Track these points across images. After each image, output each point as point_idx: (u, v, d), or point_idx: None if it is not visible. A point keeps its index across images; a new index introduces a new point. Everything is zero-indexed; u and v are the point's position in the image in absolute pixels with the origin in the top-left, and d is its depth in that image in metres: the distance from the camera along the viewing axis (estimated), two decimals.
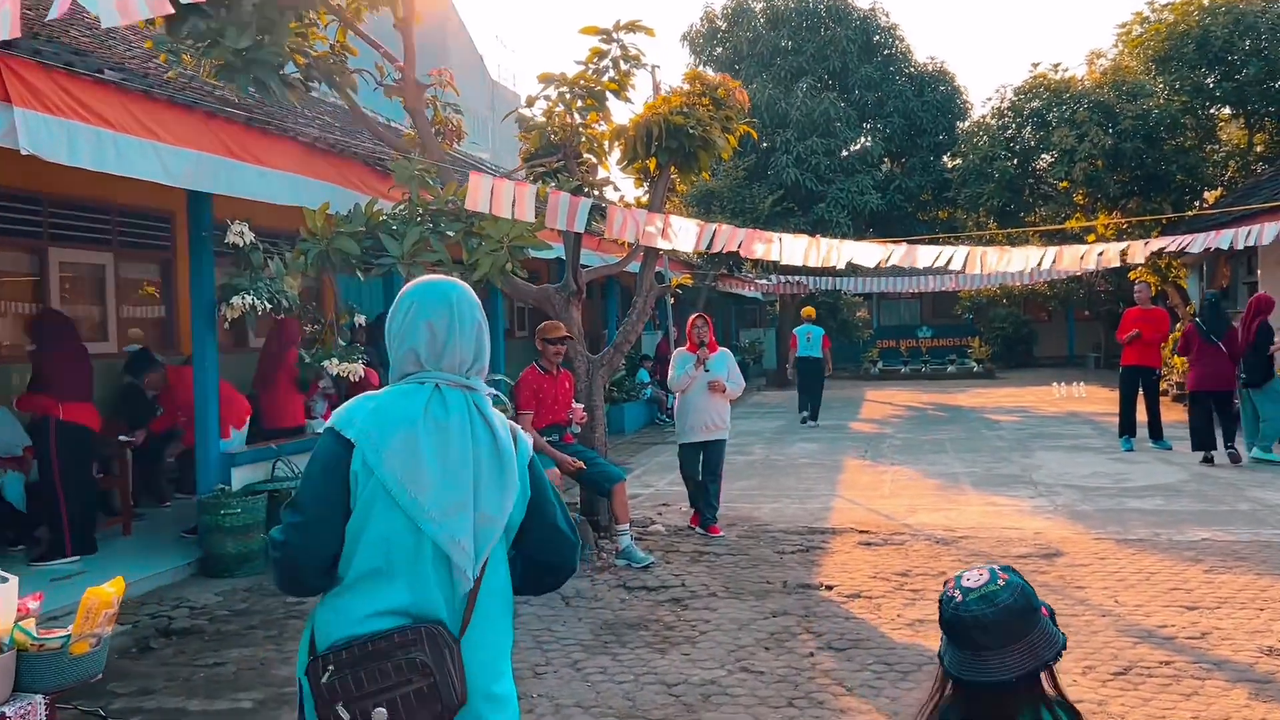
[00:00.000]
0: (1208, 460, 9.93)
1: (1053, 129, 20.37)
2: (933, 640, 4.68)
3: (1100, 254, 8.87)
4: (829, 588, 6.01)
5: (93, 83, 5.24)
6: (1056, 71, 22.04)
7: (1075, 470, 10.03)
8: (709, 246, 7.57)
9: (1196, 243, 9.50)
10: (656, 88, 7.71)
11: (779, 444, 12.96)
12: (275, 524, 2.01)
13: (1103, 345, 25.15)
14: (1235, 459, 9.82)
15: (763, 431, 14.37)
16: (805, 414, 15.04)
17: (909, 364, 26.38)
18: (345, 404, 2.02)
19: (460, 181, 6.37)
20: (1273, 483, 8.91)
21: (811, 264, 8.00)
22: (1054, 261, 8.69)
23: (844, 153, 24.42)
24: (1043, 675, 1.87)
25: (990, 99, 27.82)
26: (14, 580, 2.65)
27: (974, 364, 25.62)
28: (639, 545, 6.88)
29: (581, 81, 7.16)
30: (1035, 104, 21.53)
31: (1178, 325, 13.79)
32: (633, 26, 7.03)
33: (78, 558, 6.45)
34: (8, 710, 2.58)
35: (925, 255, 8.40)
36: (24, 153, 4.69)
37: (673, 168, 7.57)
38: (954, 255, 8.40)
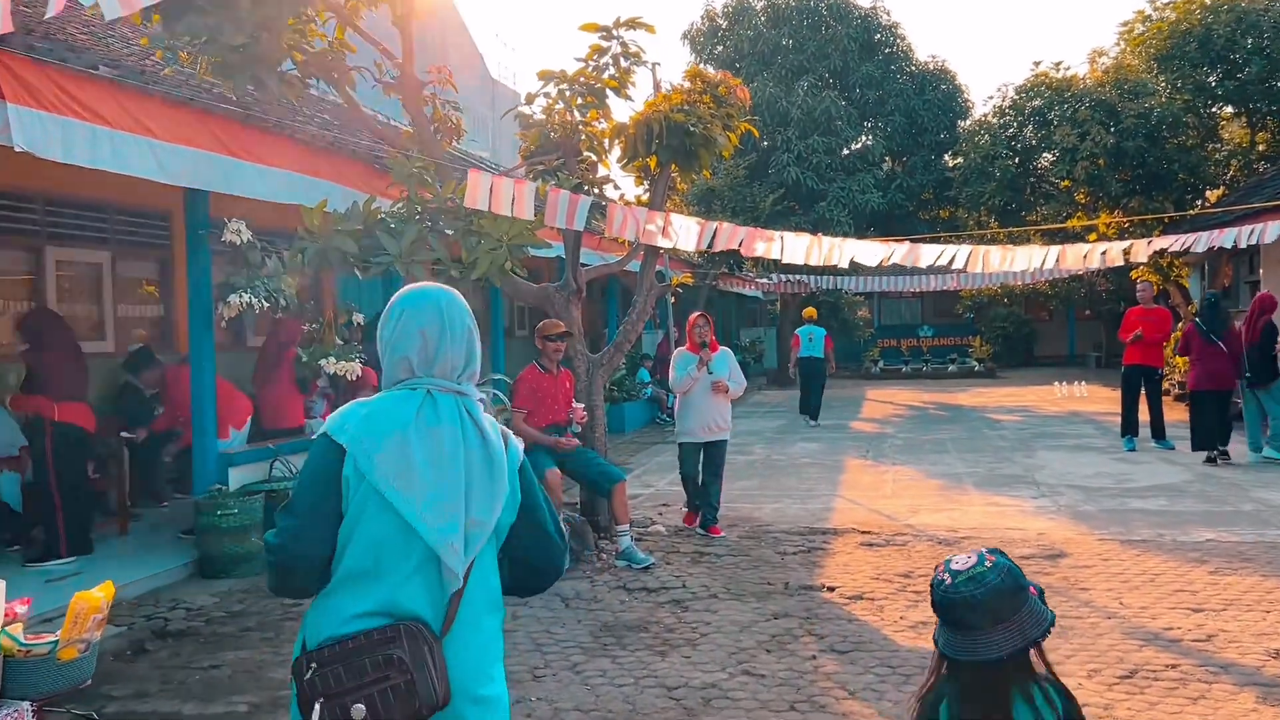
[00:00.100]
0: (1210, 460, 9.89)
1: (1054, 128, 20.32)
2: None
3: (1103, 253, 8.82)
4: (831, 589, 5.96)
5: (88, 79, 5.19)
6: (1058, 70, 22.00)
7: (1078, 470, 9.97)
8: (710, 245, 7.52)
9: (1200, 242, 9.44)
10: (657, 85, 7.64)
11: (780, 443, 12.91)
12: (272, 525, 2.06)
13: (1104, 344, 25.09)
14: (1224, 459, 9.81)
15: (763, 431, 14.32)
16: (808, 416, 15.05)
17: (910, 363, 26.33)
18: (339, 410, 2.04)
19: (459, 179, 6.31)
20: (1277, 483, 8.86)
21: (813, 263, 7.95)
22: (1057, 260, 8.64)
23: (845, 151, 24.37)
24: (1032, 653, 1.94)
25: (992, 97, 27.86)
26: (1, 584, 2.60)
27: (975, 363, 25.56)
28: (639, 546, 6.83)
29: (581, 79, 7.10)
30: (1037, 102, 21.48)
31: (1179, 325, 13.72)
32: (633, 23, 6.98)
33: (73, 558, 6.40)
34: None
35: (928, 254, 8.35)
36: (17, 149, 4.64)
37: (673, 166, 7.51)
38: (957, 254, 8.35)
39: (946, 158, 26.17)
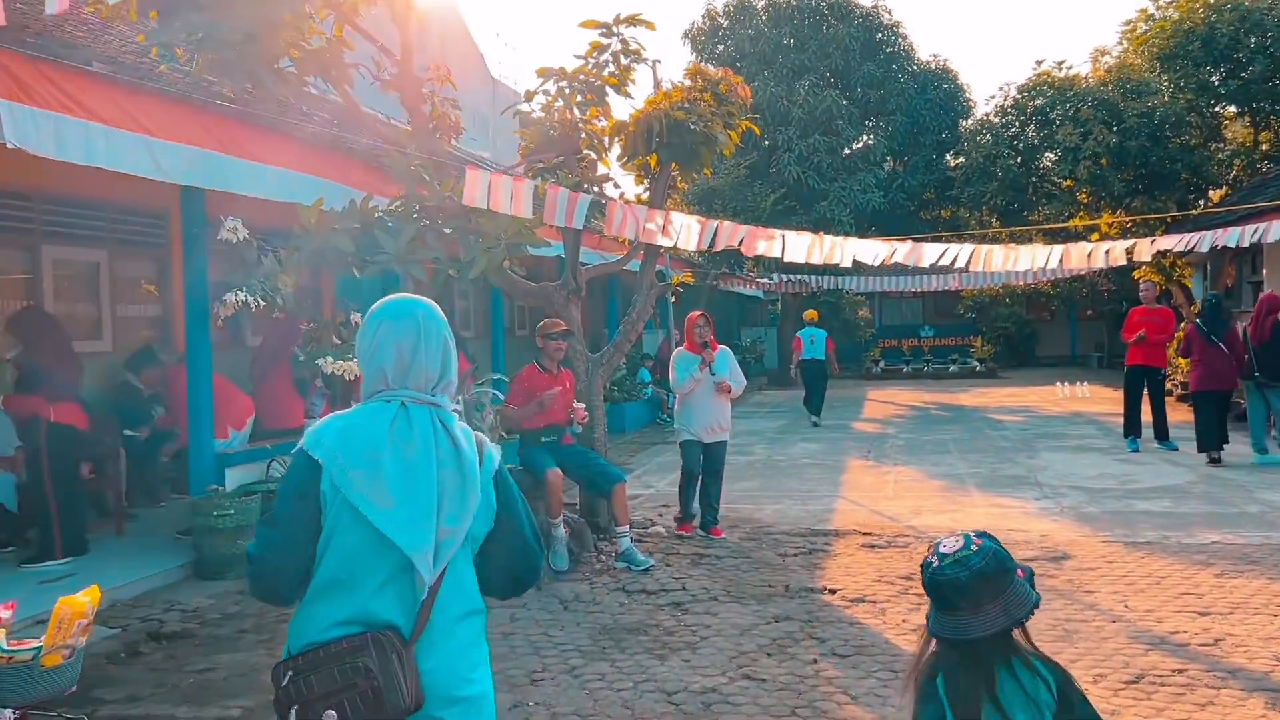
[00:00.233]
0: (1214, 461, 9.83)
1: (1056, 127, 20.27)
2: None
3: (1107, 252, 8.76)
4: (832, 592, 5.90)
5: (82, 75, 5.13)
6: (1061, 69, 21.95)
7: (1081, 471, 9.91)
8: (711, 244, 7.46)
9: (1204, 241, 9.37)
10: (657, 83, 7.58)
11: (781, 444, 12.85)
12: None
13: (1106, 345, 25.01)
14: (1216, 462, 9.78)
15: (764, 431, 14.26)
16: (814, 417, 15.04)
17: (911, 363, 26.25)
18: (315, 424, 2.10)
19: (457, 177, 6.25)
20: None
21: (814, 261, 7.89)
22: (1061, 260, 8.58)
23: (846, 151, 24.30)
24: (1016, 632, 2.03)
25: (993, 97, 27.82)
26: None
27: (976, 363, 25.48)
28: (639, 547, 6.77)
29: (581, 76, 7.04)
30: (1039, 102, 21.42)
31: (1182, 325, 13.66)
32: (633, 20, 6.92)
33: (69, 559, 6.35)
34: None
35: (931, 253, 8.29)
36: (10, 146, 4.58)
37: (674, 164, 7.45)
38: (960, 253, 8.29)
39: (948, 157, 26.10)
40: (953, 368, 25.35)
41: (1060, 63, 22.02)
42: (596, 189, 7.28)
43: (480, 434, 2.18)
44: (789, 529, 7.66)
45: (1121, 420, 11.44)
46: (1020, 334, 27.45)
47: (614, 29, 6.95)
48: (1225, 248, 10.33)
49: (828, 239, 7.98)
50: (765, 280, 21.91)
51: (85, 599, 2.55)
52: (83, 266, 8.42)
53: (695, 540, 7.30)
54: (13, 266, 7.81)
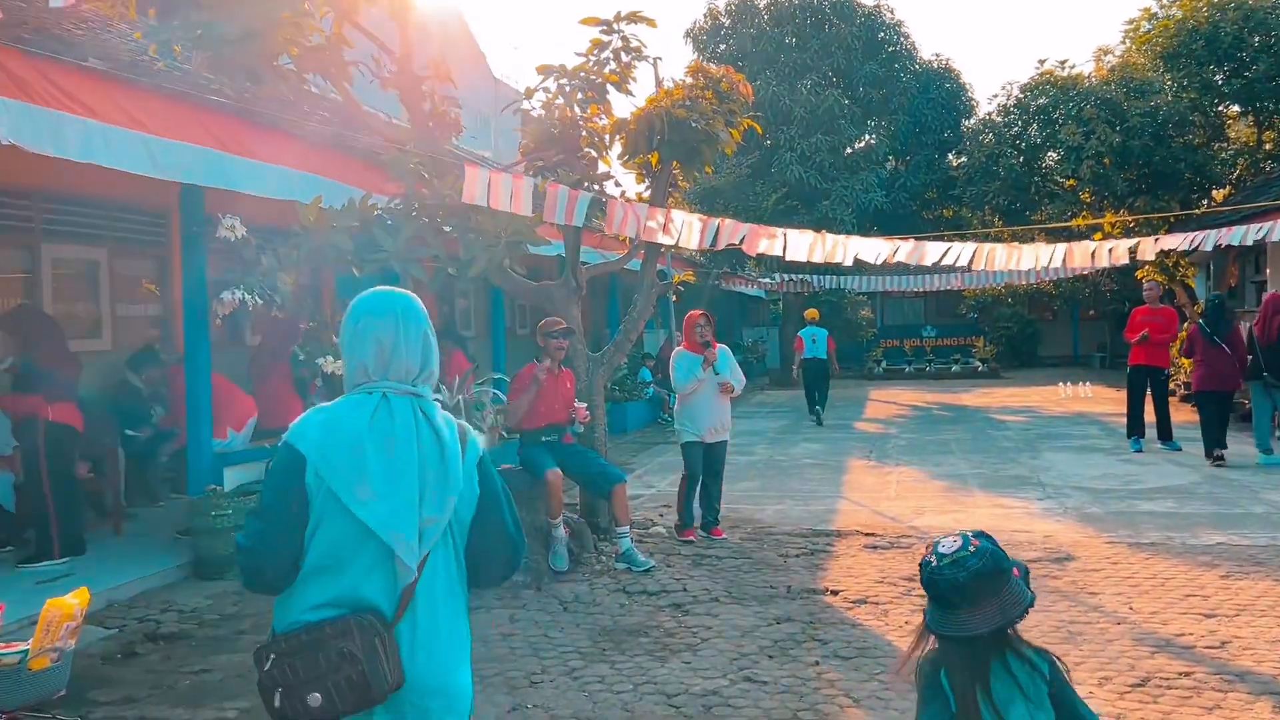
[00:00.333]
0: (1217, 461, 9.77)
1: (1059, 126, 20.21)
2: None
3: (1110, 251, 8.71)
4: (834, 593, 5.86)
5: (79, 72, 5.10)
6: (1064, 68, 21.89)
7: (1084, 472, 9.86)
8: (712, 243, 7.41)
9: (1209, 240, 9.32)
10: (659, 80, 7.53)
11: (782, 444, 12.80)
12: None
13: (1108, 345, 24.94)
14: (1220, 462, 9.72)
15: (766, 431, 14.22)
16: (815, 416, 15.00)
17: (913, 363, 26.18)
18: (300, 417, 2.15)
19: (457, 175, 6.21)
20: None
21: (816, 260, 7.84)
22: (1064, 259, 8.53)
23: (848, 150, 24.23)
24: (1011, 631, 2.10)
25: (996, 96, 27.77)
26: None
27: (978, 363, 25.41)
28: (639, 548, 6.73)
29: (582, 73, 7.00)
30: (1042, 101, 21.36)
31: (1185, 325, 13.61)
32: (634, 17, 6.87)
33: (66, 559, 6.32)
34: None
35: (933, 252, 8.24)
36: (6, 143, 4.55)
37: (675, 163, 7.40)
38: (962, 252, 8.24)
39: (950, 157, 26.03)
40: (955, 368, 25.27)
41: (1063, 62, 22.02)
42: (597, 187, 7.23)
43: (464, 422, 2.21)
44: (790, 529, 7.61)
45: (1124, 420, 11.39)
46: (1023, 334, 27.37)
47: (615, 26, 6.90)
48: (1228, 247, 10.29)
49: (830, 238, 7.93)
50: (767, 280, 21.85)
51: (74, 601, 2.51)
52: (82, 265, 8.39)
53: (696, 541, 7.26)
54: (12, 265, 7.78)
